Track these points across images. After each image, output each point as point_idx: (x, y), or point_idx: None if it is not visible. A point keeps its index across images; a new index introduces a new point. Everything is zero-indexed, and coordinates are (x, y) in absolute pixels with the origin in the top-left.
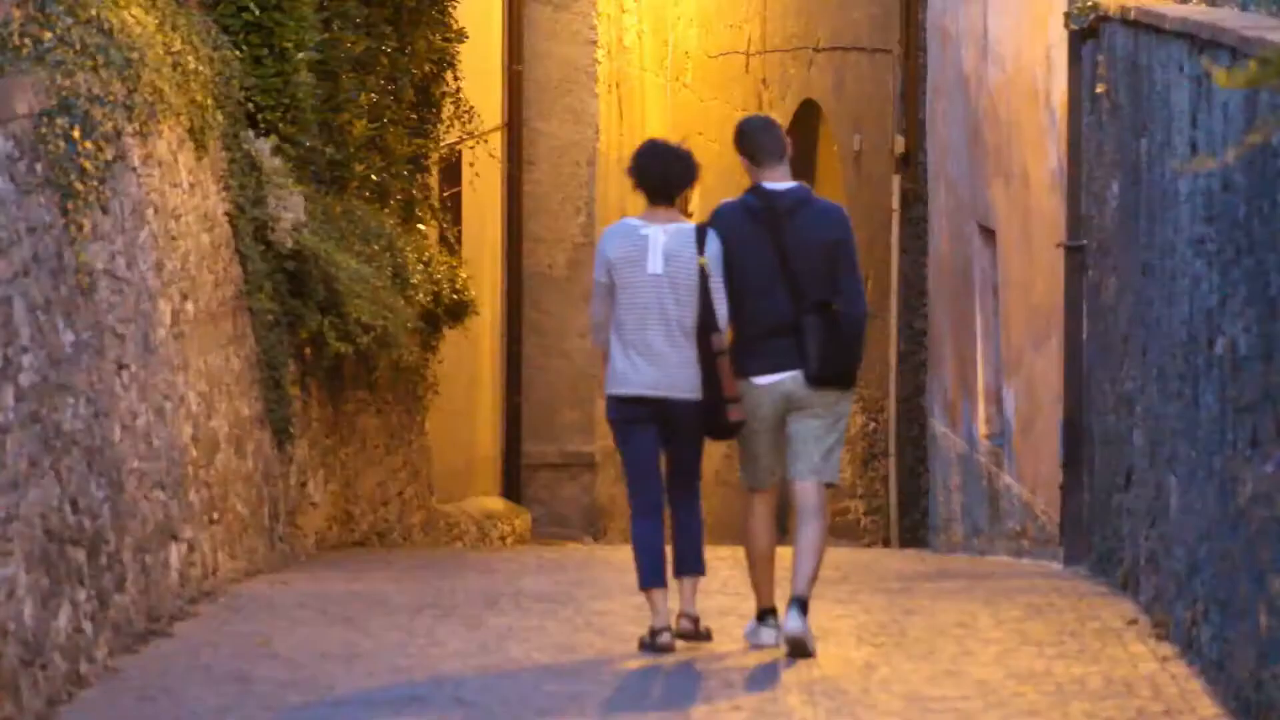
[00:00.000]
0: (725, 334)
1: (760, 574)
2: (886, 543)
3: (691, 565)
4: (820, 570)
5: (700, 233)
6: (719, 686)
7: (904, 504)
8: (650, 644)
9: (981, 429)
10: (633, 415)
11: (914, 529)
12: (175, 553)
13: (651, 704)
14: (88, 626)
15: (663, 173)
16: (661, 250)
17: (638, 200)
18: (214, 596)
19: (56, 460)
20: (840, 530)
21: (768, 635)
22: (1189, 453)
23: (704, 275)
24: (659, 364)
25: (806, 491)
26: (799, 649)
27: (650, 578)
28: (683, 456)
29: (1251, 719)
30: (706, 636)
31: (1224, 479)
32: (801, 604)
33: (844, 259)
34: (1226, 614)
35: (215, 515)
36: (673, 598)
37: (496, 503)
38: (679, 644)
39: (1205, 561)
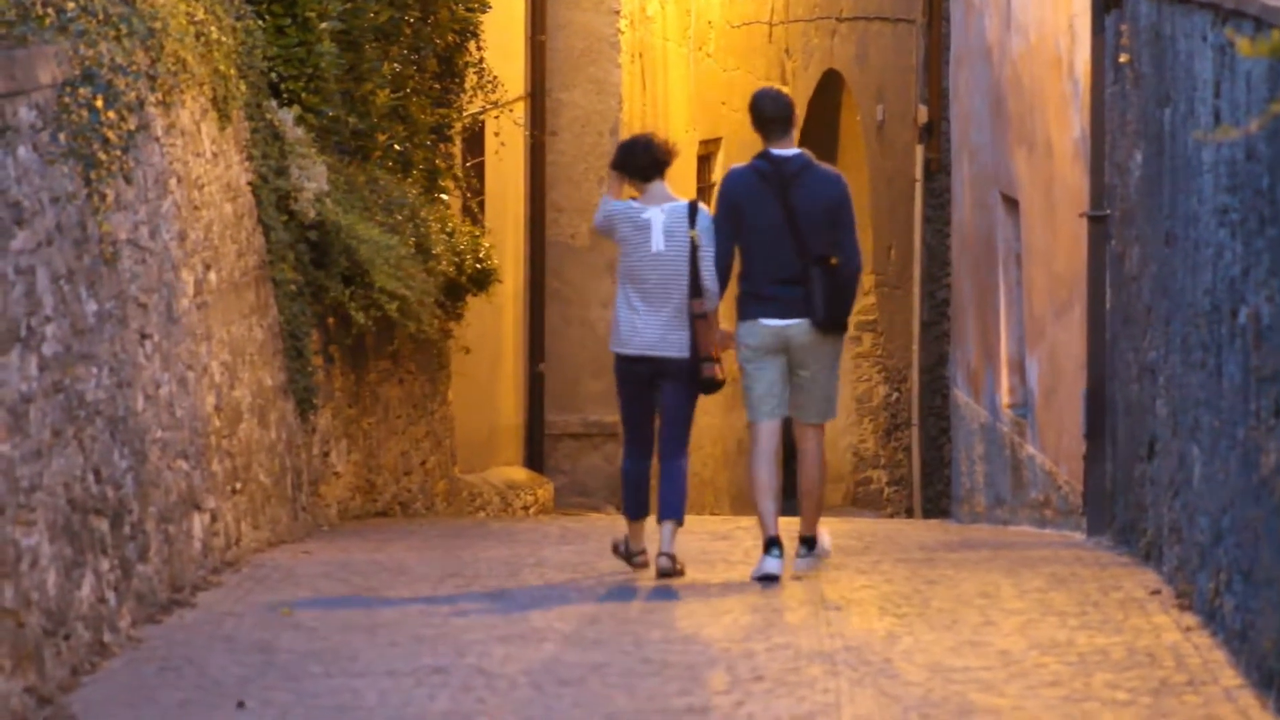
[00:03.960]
0: (715, 297)
1: (764, 505)
2: (909, 513)
3: (673, 512)
4: (824, 511)
5: (692, 209)
6: (741, 656)
7: (927, 474)
8: (625, 552)
9: (1004, 399)
10: (633, 371)
11: (937, 499)
12: (198, 522)
13: (674, 675)
14: (111, 596)
15: (648, 150)
16: (663, 230)
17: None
18: (237, 566)
19: (80, 430)
20: (863, 500)
21: (772, 564)
22: (1212, 422)
23: (694, 246)
24: (658, 328)
25: (810, 434)
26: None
27: (634, 510)
28: (674, 409)
29: (1274, 689)
30: (680, 572)
31: (1247, 449)
32: (809, 543)
33: (843, 218)
34: (1250, 584)
35: (238, 485)
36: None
37: (519, 472)
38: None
39: (1228, 531)
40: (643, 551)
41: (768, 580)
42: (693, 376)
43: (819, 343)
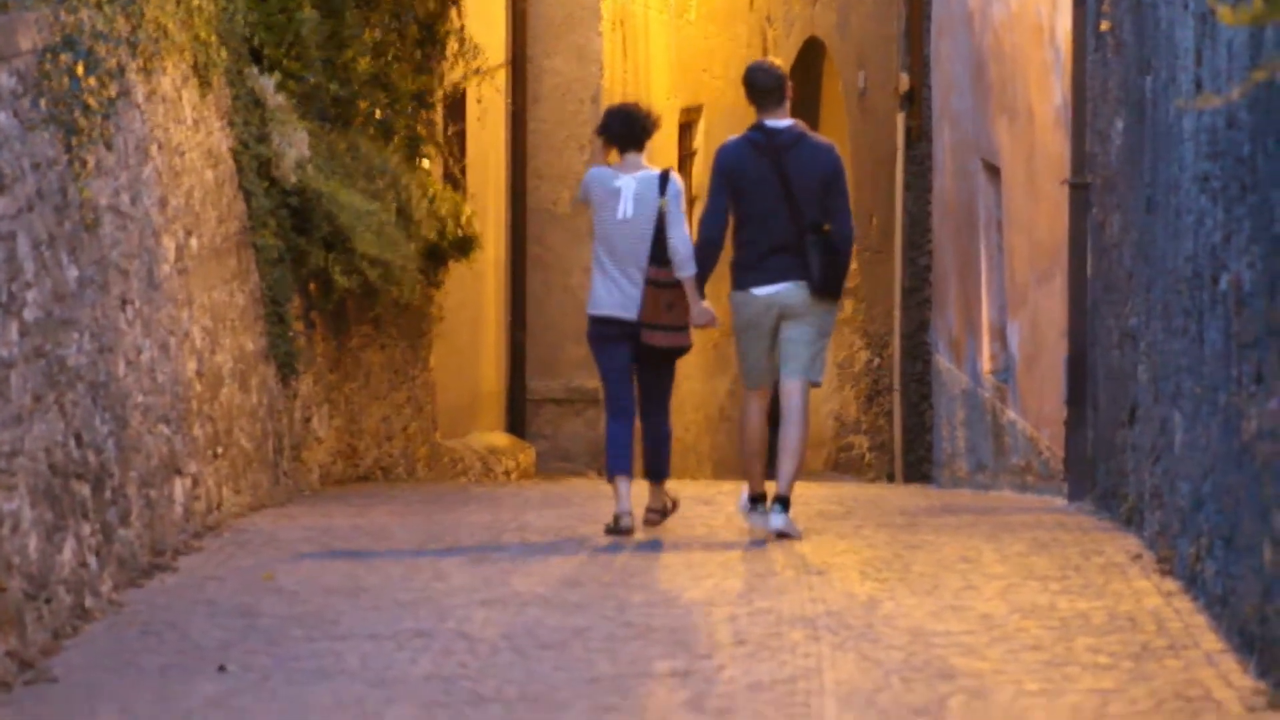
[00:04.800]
0: (688, 265)
1: (752, 464)
2: (891, 478)
3: (658, 471)
4: (806, 477)
5: (663, 177)
6: (723, 621)
7: (908, 440)
8: (614, 527)
9: (986, 365)
10: (607, 333)
11: (918, 464)
12: (179, 487)
13: (656, 638)
14: (92, 561)
15: (628, 121)
16: (632, 197)
17: None
18: (218, 531)
19: (61, 395)
20: (845, 465)
21: (757, 519)
22: (1193, 388)
23: (662, 215)
24: (628, 291)
25: (794, 390)
26: (784, 536)
27: (617, 468)
28: (651, 373)
29: (1255, 654)
30: (670, 512)
31: (1228, 414)
32: (784, 502)
33: (836, 187)
34: (1230, 549)
35: (219, 450)
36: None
37: (501, 438)
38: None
39: (1209, 497)
40: (628, 513)
41: (756, 526)
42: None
43: (812, 306)
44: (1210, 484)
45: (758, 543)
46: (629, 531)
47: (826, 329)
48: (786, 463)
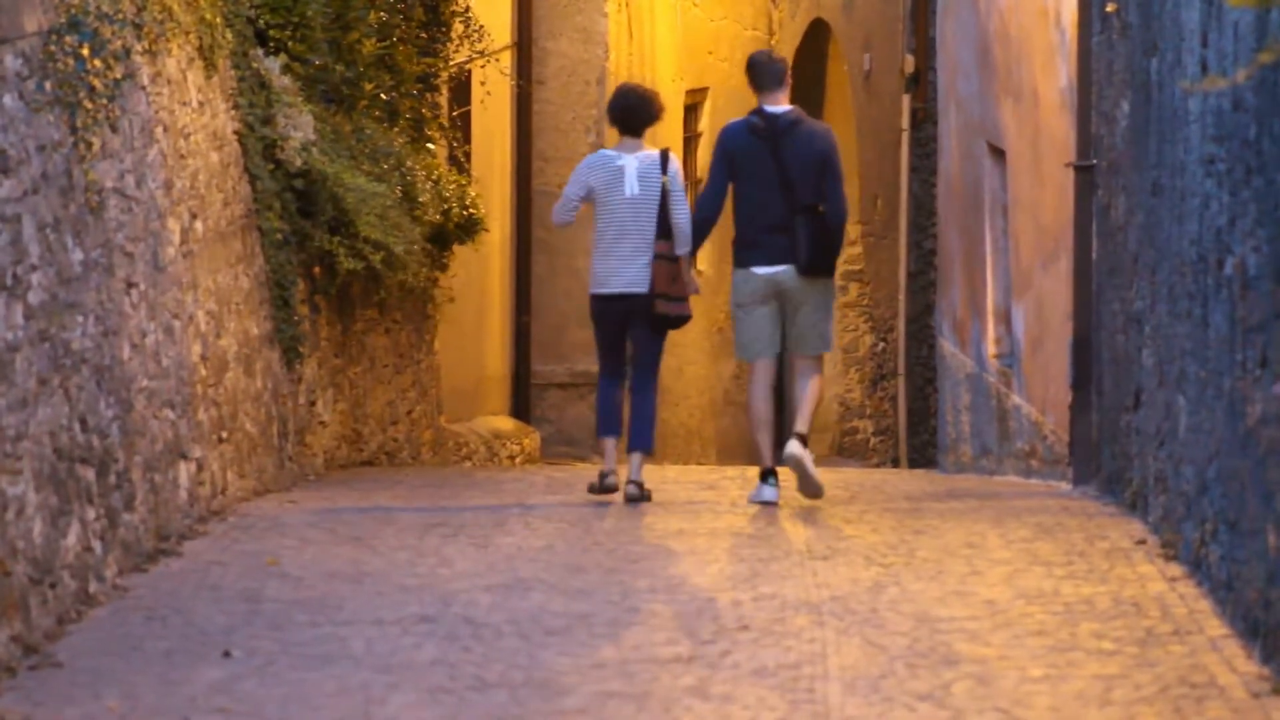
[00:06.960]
0: (688, 240)
1: (762, 438)
2: (895, 463)
3: (642, 443)
4: (817, 414)
5: (663, 157)
6: (727, 606)
7: (913, 424)
8: (598, 486)
9: (990, 349)
10: (610, 309)
11: (923, 449)
12: (184, 472)
13: (660, 624)
14: (97, 545)
15: (630, 109)
16: (637, 175)
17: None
18: (223, 515)
19: (65, 379)
20: (849, 450)
21: (769, 492)
22: (1198, 373)
23: (664, 192)
24: (631, 267)
25: (806, 363)
26: (797, 466)
27: (606, 429)
28: (646, 343)
29: (1259, 639)
30: (648, 497)
31: (1233, 399)
32: (801, 437)
33: (830, 170)
34: (1235, 534)
35: (224, 434)
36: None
37: (505, 422)
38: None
39: (1214, 481)
40: (612, 472)
41: (765, 505)
42: (646, 311)
43: (808, 286)
44: (1215, 469)
45: (762, 528)
46: (613, 489)
47: (828, 303)
48: (804, 406)
